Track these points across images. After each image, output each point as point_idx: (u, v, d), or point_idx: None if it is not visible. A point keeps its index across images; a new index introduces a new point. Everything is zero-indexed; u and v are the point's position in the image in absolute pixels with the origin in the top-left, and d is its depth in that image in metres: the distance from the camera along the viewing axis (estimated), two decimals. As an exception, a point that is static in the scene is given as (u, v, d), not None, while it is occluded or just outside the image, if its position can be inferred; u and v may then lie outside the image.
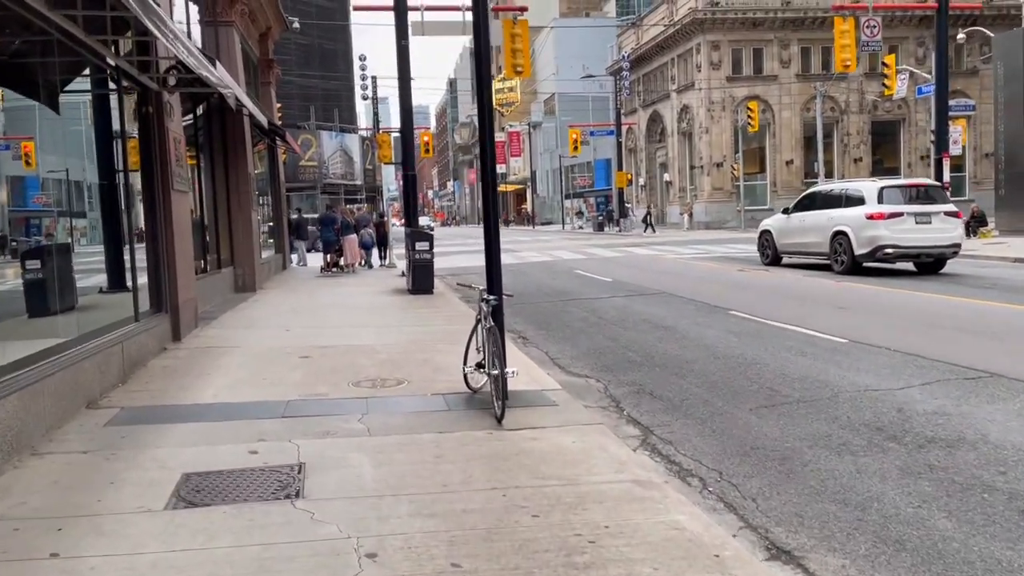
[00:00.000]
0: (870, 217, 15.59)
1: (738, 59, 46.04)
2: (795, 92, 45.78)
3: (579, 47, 68.36)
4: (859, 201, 16.16)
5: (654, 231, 46.14)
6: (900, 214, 15.44)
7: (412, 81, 20.31)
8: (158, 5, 6.33)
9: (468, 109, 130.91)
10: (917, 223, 15.48)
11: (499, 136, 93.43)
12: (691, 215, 46.76)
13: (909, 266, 16.60)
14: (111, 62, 7.99)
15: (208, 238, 14.13)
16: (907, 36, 46.60)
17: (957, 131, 24.92)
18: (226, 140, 15.97)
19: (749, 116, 41.68)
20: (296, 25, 23.83)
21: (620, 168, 50.48)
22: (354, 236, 20.08)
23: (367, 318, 11.99)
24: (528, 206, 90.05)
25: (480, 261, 7.33)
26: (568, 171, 72.32)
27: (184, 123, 12.61)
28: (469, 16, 21.97)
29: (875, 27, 21.25)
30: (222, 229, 15.19)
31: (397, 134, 25.83)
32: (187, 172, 10.04)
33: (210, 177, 14.73)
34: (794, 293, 14.01)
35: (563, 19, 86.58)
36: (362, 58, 48.36)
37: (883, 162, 48.26)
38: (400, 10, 19.74)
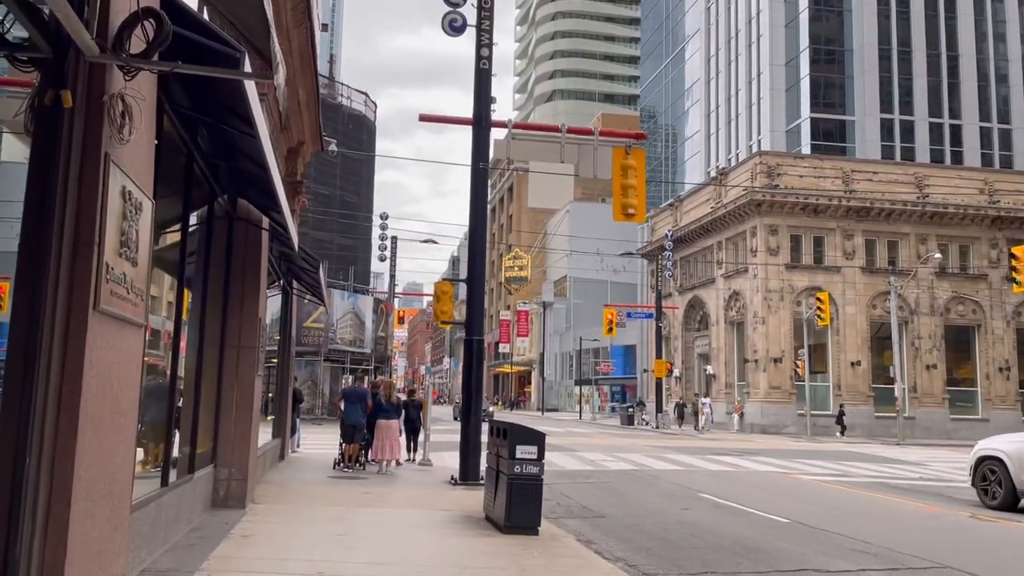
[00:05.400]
0: None
1: (796, 246, 41.94)
2: (860, 287, 41.34)
3: (594, 230, 65.92)
4: None
5: (698, 429, 40.06)
6: None
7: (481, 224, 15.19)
8: None
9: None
10: None
11: (505, 314, 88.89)
12: (742, 415, 40.83)
13: None
14: None
15: (178, 418, 8.14)
16: (979, 236, 42.94)
17: None
18: (230, 268, 10.38)
19: (819, 309, 36.88)
20: (333, 148, 19.11)
21: (659, 356, 45.17)
22: (395, 422, 13.98)
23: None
24: (532, 390, 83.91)
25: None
26: (579, 356, 67.07)
27: (170, 231, 7.28)
28: (569, 138, 17.26)
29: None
30: (205, 403, 9.20)
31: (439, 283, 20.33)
32: (144, 274, 4.26)
33: (197, 322, 8.97)
34: None
35: (579, 202, 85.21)
36: (383, 216, 44.36)
37: (952, 371, 43.03)
38: (481, 124, 14.96)
